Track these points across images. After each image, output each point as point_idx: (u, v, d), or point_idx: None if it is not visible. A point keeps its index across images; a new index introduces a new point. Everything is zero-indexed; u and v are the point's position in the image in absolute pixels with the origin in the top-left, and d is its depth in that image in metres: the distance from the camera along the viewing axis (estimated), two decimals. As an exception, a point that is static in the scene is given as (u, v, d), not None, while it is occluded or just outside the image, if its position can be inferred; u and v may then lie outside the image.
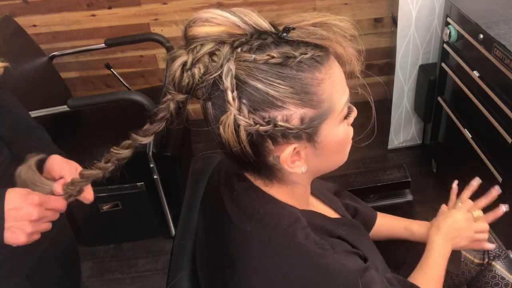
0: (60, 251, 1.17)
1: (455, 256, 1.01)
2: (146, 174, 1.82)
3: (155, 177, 1.83)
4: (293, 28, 0.58)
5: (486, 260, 1.10)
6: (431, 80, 1.99)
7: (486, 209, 1.04)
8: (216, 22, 0.58)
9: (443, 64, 1.87)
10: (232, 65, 0.57)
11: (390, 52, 2.51)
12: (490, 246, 1.01)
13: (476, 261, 1.10)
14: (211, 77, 0.58)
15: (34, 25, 2.42)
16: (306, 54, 0.58)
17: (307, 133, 0.62)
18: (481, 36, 1.50)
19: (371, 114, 0.74)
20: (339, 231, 0.73)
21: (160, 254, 2.01)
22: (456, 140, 1.91)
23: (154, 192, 1.89)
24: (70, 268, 1.25)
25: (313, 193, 0.86)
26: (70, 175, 0.87)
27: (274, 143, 0.62)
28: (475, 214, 1.01)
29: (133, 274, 1.94)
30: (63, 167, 0.91)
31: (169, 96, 0.61)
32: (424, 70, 2.06)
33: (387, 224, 1.08)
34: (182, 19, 0.60)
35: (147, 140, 0.64)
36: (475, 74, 1.60)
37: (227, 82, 0.57)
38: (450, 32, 1.73)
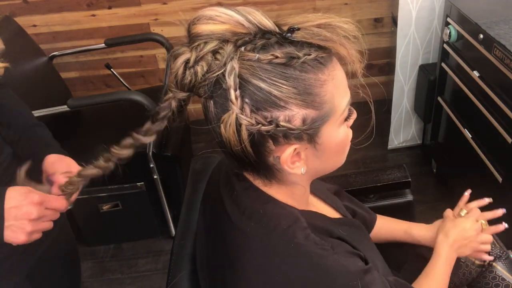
0: (60, 250, 1.17)
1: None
2: (146, 174, 1.82)
3: (155, 177, 1.83)
4: (298, 29, 0.58)
5: (487, 261, 1.10)
6: (431, 80, 1.99)
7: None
8: (220, 20, 0.57)
9: (443, 64, 1.87)
10: (235, 64, 0.57)
11: (390, 52, 2.51)
12: (489, 258, 1.03)
13: (477, 262, 1.10)
14: (214, 75, 0.58)
15: (34, 25, 2.42)
16: (309, 55, 0.58)
17: (308, 134, 0.62)
18: (481, 36, 1.50)
19: (371, 115, 0.74)
20: (340, 232, 0.73)
21: (160, 254, 2.01)
22: (456, 140, 1.91)
23: (154, 192, 1.89)
24: (70, 268, 1.25)
25: (314, 192, 0.86)
26: (62, 172, 0.87)
27: (275, 143, 0.62)
28: (483, 224, 1.01)
29: (133, 274, 1.94)
30: (55, 166, 0.91)
31: (170, 94, 0.61)
32: (424, 70, 2.06)
33: (386, 227, 1.08)
34: (183, 19, 0.60)
35: (149, 139, 0.64)
36: (475, 74, 1.60)
37: (230, 80, 0.57)
38: (450, 32, 1.73)
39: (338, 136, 0.66)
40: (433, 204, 2.03)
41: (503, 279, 1.07)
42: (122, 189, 1.87)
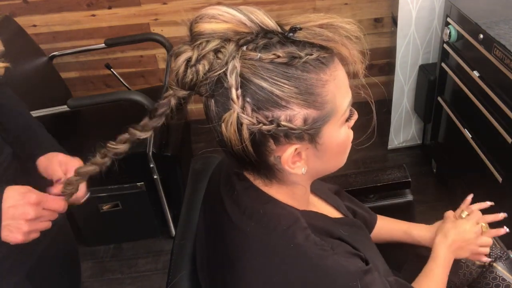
0: (60, 250, 1.17)
1: (453, 264, 1.01)
2: (146, 174, 1.82)
3: (155, 177, 1.83)
4: (300, 29, 0.58)
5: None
6: (431, 80, 1.99)
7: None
8: (222, 19, 0.57)
9: (443, 64, 1.87)
10: (237, 63, 0.57)
11: (390, 52, 2.51)
12: (487, 259, 1.03)
13: (477, 262, 1.10)
14: (215, 74, 0.58)
15: (34, 25, 2.42)
16: (311, 55, 0.58)
17: (310, 134, 0.62)
18: (481, 36, 1.50)
19: (372, 116, 0.74)
20: (340, 232, 0.73)
21: (160, 254, 2.01)
22: (456, 140, 1.91)
23: (154, 192, 1.89)
24: (70, 267, 1.25)
25: (315, 192, 0.86)
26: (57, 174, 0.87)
27: (276, 143, 0.61)
28: (482, 226, 1.01)
29: (133, 274, 1.94)
30: (48, 170, 0.91)
31: (170, 92, 0.61)
32: (424, 70, 2.06)
33: (386, 227, 1.08)
34: (184, 18, 0.60)
35: (146, 135, 0.63)
36: (475, 74, 1.60)
37: (232, 79, 0.57)
38: (450, 32, 1.73)
39: (339, 136, 0.66)
40: (433, 204, 2.03)
41: (504, 280, 1.07)
42: (122, 189, 1.87)
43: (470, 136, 1.71)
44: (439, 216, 1.08)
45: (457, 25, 1.69)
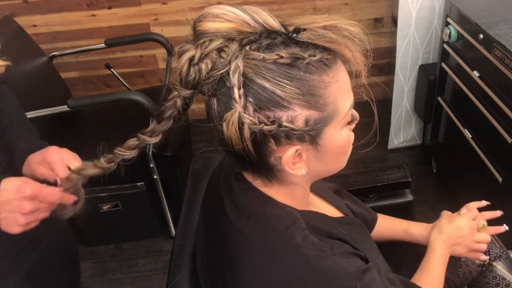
0: (60, 250, 1.17)
1: (452, 262, 1.02)
2: (146, 174, 1.82)
3: (155, 177, 1.83)
4: (304, 30, 0.58)
5: (487, 260, 1.10)
6: (431, 80, 1.99)
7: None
8: (226, 19, 0.57)
9: (443, 64, 1.87)
10: (240, 63, 0.57)
11: (390, 52, 2.51)
12: (485, 257, 1.03)
13: (477, 261, 1.10)
14: (218, 73, 0.58)
15: (34, 25, 2.42)
16: (314, 56, 0.58)
17: (311, 135, 0.62)
18: (481, 36, 1.50)
19: (373, 119, 0.74)
20: (340, 232, 0.73)
21: (160, 254, 2.01)
22: (456, 140, 1.91)
23: (154, 192, 1.89)
24: (69, 267, 1.25)
25: (315, 191, 0.86)
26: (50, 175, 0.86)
27: (277, 143, 0.61)
28: (480, 223, 1.01)
29: (133, 274, 1.94)
30: (35, 168, 0.89)
31: (175, 93, 0.61)
32: (424, 70, 2.06)
33: (386, 226, 1.08)
34: (187, 18, 0.60)
35: (156, 140, 0.64)
36: (475, 74, 1.60)
37: (234, 79, 0.57)
38: (450, 32, 1.73)
39: (340, 138, 0.66)
40: (433, 204, 2.03)
41: (504, 279, 1.07)
42: (122, 189, 1.87)
43: (470, 136, 1.71)
44: (439, 216, 1.08)
45: (457, 25, 1.69)
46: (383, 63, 2.61)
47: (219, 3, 0.59)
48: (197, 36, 0.59)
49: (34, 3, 2.36)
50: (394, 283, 0.77)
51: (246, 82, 0.57)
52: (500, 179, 1.52)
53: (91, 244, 2.06)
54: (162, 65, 2.61)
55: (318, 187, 0.86)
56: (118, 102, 1.74)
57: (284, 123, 0.59)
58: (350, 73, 0.64)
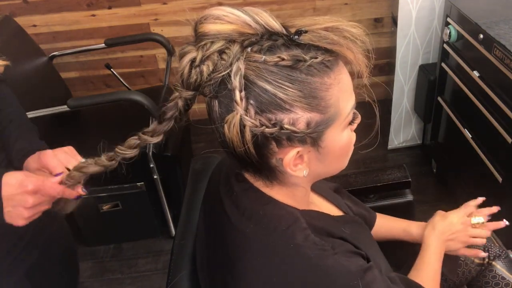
0: (59, 249, 1.17)
1: (452, 261, 1.02)
2: (146, 174, 1.82)
3: (155, 177, 1.83)
4: (305, 31, 0.58)
5: (487, 260, 1.10)
6: (431, 80, 1.99)
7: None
8: (227, 20, 0.57)
9: (443, 64, 1.87)
10: (241, 65, 0.57)
11: (390, 52, 2.51)
12: (483, 254, 1.03)
13: (477, 261, 1.10)
14: (219, 75, 0.58)
15: (34, 25, 2.42)
16: (316, 58, 0.58)
17: (312, 137, 0.62)
18: (481, 36, 1.50)
19: (374, 120, 0.74)
20: (342, 231, 0.73)
21: (160, 254, 2.01)
22: (456, 140, 1.91)
23: (154, 192, 1.89)
24: (69, 267, 1.25)
25: (316, 190, 0.86)
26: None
27: (279, 145, 0.61)
28: (475, 220, 1.01)
29: (133, 274, 1.94)
30: (35, 169, 0.89)
31: (176, 94, 0.61)
32: (424, 70, 2.06)
33: (386, 225, 1.09)
34: (188, 18, 0.60)
35: (157, 140, 0.64)
36: (475, 74, 1.60)
37: (236, 81, 0.57)
38: (450, 32, 1.73)
39: (341, 140, 0.66)
40: (433, 204, 2.03)
41: (503, 278, 1.07)
42: (122, 189, 1.87)
43: (470, 136, 1.71)
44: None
45: (457, 25, 1.69)
46: (383, 63, 2.61)
47: (219, 4, 0.59)
48: (198, 38, 0.59)
49: (34, 3, 2.36)
50: (395, 281, 0.77)
51: (248, 85, 0.57)
52: (500, 179, 1.52)
53: (91, 244, 2.06)
54: (162, 65, 2.61)
55: (318, 186, 0.87)
56: (118, 102, 1.74)
57: (286, 126, 0.59)
58: (351, 74, 0.64)
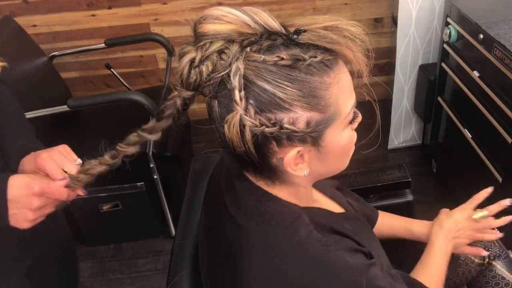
0: (59, 250, 1.17)
1: (452, 261, 1.02)
2: (146, 174, 1.82)
3: (155, 177, 1.83)
4: (304, 31, 0.58)
5: (487, 260, 1.10)
6: (431, 80, 1.99)
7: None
8: (226, 20, 0.57)
9: (443, 64, 1.87)
10: (240, 65, 0.57)
11: (390, 52, 2.51)
12: (485, 253, 1.04)
13: (477, 261, 1.10)
14: (219, 75, 0.58)
15: (34, 25, 2.42)
16: (315, 57, 0.58)
17: (312, 136, 0.62)
18: (481, 36, 1.50)
19: (375, 119, 0.74)
20: (344, 227, 0.73)
21: (160, 254, 2.01)
22: (456, 140, 1.91)
23: (154, 192, 1.89)
24: (69, 267, 1.25)
25: (318, 188, 0.86)
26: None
27: (279, 145, 0.61)
28: (477, 215, 1.01)
29: (133, 274, 1.94)
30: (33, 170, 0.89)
31: (175, 93, 0.61)
32: (424, 70, 2.06)
33: (387, 223, 1.09)
34: (188, 18, 0.60)
35: (155, 137, 0.64)
36: (475, 74, 1.60)
37: (235, 81, 0.57)
38: (450, 32, 1.73)
39: (342, 139, 0.66)
40: (433, 204, 2.03)
41: (503, 278, 1.07)
42: (122, 189, 1.87)
43: (470, 136, 1.71)
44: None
45: (457, 25, 1.69)
46: (383, 63, 2.61)
47: (219, 4, 0.59)
48: (198, 38, 0.59)
49: (34, 3, 2.36)
50: (396, 279, 0.77)
51: (247, 84, 0.57)
52: (500, 179, 1.52)
53: (91, 244, 2.06)
54: (162, 65, 2.61)
55: (319, 184, 0.86)
56: (118, 102, 1.74)
57: (286, 125, 0.59)
58: (351, 73, 0.64)
